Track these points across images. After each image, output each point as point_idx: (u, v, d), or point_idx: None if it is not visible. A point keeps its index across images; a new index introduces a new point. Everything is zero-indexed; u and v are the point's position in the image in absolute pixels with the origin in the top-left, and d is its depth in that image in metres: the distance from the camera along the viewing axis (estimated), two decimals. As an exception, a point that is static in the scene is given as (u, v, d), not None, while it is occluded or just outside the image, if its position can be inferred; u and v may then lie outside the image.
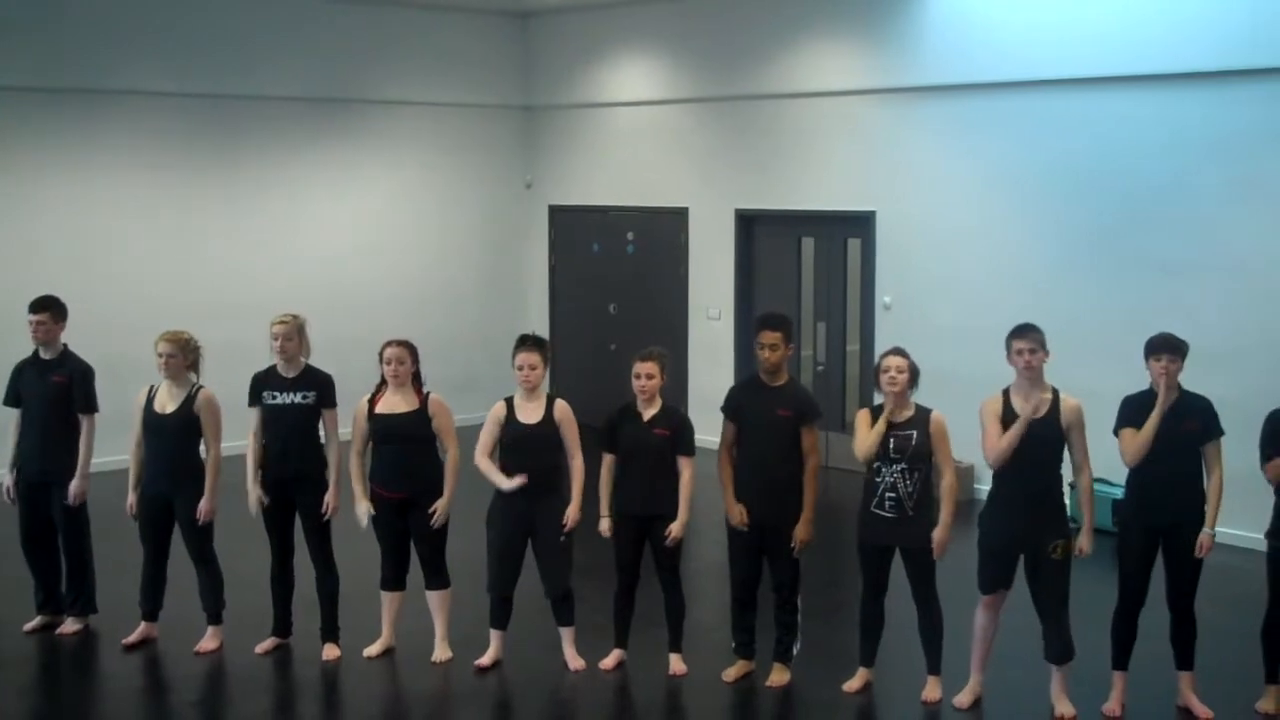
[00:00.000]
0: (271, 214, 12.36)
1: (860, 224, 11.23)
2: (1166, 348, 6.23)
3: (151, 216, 11.70)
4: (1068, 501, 6.39)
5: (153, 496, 7.11)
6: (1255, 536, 6.33)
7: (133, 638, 7.24)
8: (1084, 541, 6.23)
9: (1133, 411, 6.30)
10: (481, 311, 13.67)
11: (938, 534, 6.33)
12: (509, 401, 6.85)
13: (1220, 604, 7.31)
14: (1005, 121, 10.21)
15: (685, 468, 6.72)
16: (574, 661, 6.92)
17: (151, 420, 7.08)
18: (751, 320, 6.84)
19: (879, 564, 6.50)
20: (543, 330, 13.82)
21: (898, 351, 6.46)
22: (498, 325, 13.65)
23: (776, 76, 11.65)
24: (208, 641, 7.19)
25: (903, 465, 6.35)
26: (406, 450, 6.88)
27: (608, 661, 6.93)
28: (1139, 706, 6.38)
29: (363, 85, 12.74)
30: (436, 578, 7.06)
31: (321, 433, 7.12)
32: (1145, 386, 6.35)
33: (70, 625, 7.47)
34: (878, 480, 6.40)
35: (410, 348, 6.99)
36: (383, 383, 6.98)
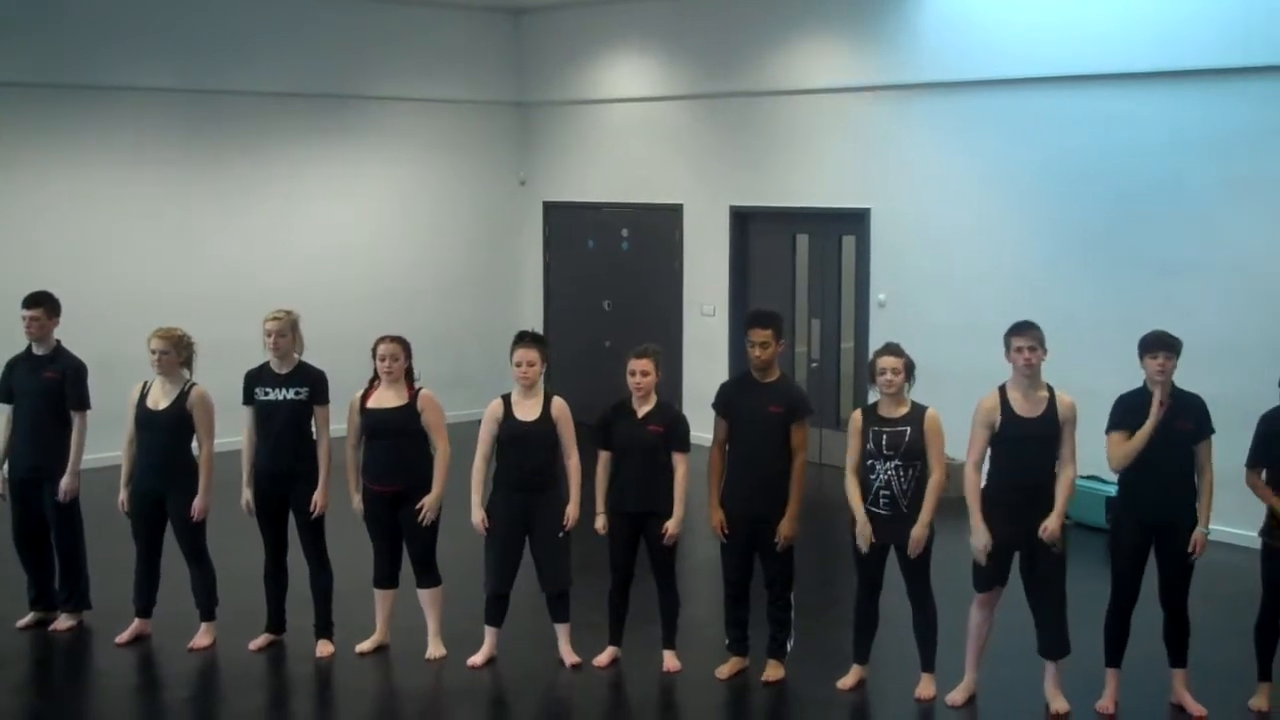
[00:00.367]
0: (266, 209, 12.34)
1: (855, 221, 11.23)
2: (1163, 345, 6.22)
3: (147, 212, 11.68)
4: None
5: (144, 493, 7.10)
6: (1249, 534, 6.34)
7: (126, 635, 7.23)
8: (1051, 522, 6.16)
9: (1126, 412, 6.30)
10: (475, 307, 13.66)
11: (915, 530, 6.33)
12: (506, 399, 6.84)
13: (1214, 602, 7.32)
14: (1001, 119, 10.21)
15: (680, 464, 6.72)
16: (569, 657, 6.92)
17: (144, 416, 7.06)
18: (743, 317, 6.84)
19: (874, 561, 6.50)
20: (537, 327, 13.82)
21: (893, 350, 6.45)
22: (491, 321, 13.66)
23: (771, 73, 11.64)
24: (201, 638, 7.18)
25: (896, 462, 6.35)
26: (397, 444, 6.88)
27: (602, 658, 6.93)
28: (1132, 704, 6.39)
29: (357, 81, 12.72)
30: (427, 576, 7.06)
31: (314, 429, 7.12)
32: (1139, 385, 6.35)
33: (64, 622, 7.45)
34: (872, 477, 6.41)
35: (403, 343, 6.99)
36: (375, 377, 6.98)
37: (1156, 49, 9.23)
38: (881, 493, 6.39)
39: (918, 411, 6.41)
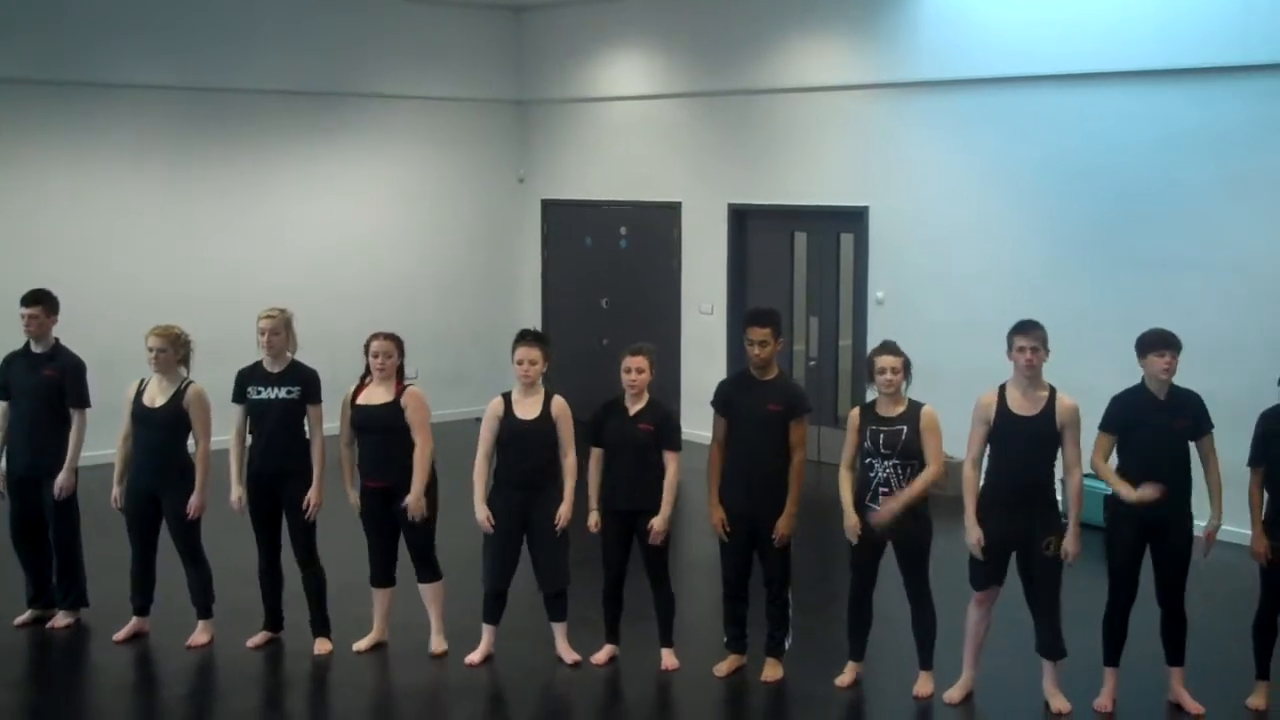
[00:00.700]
0: (265, 206, 12.34)
1: (853, 219, 11.23)
2: (1168, 344, 6.22)
3: (147, 209, 11.68)
4: (1059, 498, 6.39)
5: (139, 491, 7.10)
6: (1249, 533, 6.33)
7: (123, 633, 7.23)
8: (1070, 544, 6.20)
9: (1122, 411, 6.30)
10: (473, 305, 13.66)
11: (892, 503, 6.30)
12: (506, 396, 6.84)
13: (1213, 601, 7.33)
14: (998, 117, 10.21)
15: (670, 462, 6.71)
16: (568, 655, 6.92)
17: (140, 413, 7.06)
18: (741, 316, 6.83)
19: (869, 558, 6.51)
20: (535, 324, 13.82)
21: (890, 349, 6.45)
22: (490, 319, 13.67)
23: (770, 71, 11.64)
24: (198, 636, 7.17)
25: (894, 460, 6.36)
26: (386, 441, 6.89)
27: (600, 656, 6.93)
28: (1129, 702, 6.39)
29: (356, 79, 12.71)
30: (426, 570, 7.06)
31: (306, 428, 7.11)
32: (1135, 382, 6.35)
33: (62, 619, 7.45)
34: (870, 475, 6.42)
35: (397, 340, 7.00)
36: (367, 374, 6.98)
37: (1155, 47, 9.23)
38: (880, 489, 6.39)
39: (914, 409, 6.41)
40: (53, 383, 7.34)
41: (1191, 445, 6.29)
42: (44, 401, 7.34)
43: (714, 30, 12.02)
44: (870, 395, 6.63)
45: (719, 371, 11.40)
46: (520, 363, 6.75)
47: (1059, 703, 6.29)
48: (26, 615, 7.52)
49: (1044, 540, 6.20)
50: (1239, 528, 7.64)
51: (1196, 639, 6.46)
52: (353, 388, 7.01)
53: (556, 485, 6.78)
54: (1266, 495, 6.22)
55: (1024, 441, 6.20)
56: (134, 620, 7.28)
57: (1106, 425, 6.31)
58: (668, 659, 6.89)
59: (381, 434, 6.88)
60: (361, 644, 7.10)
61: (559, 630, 6.95)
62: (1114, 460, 6.33)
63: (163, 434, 7.04)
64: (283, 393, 7.00)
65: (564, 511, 6.72)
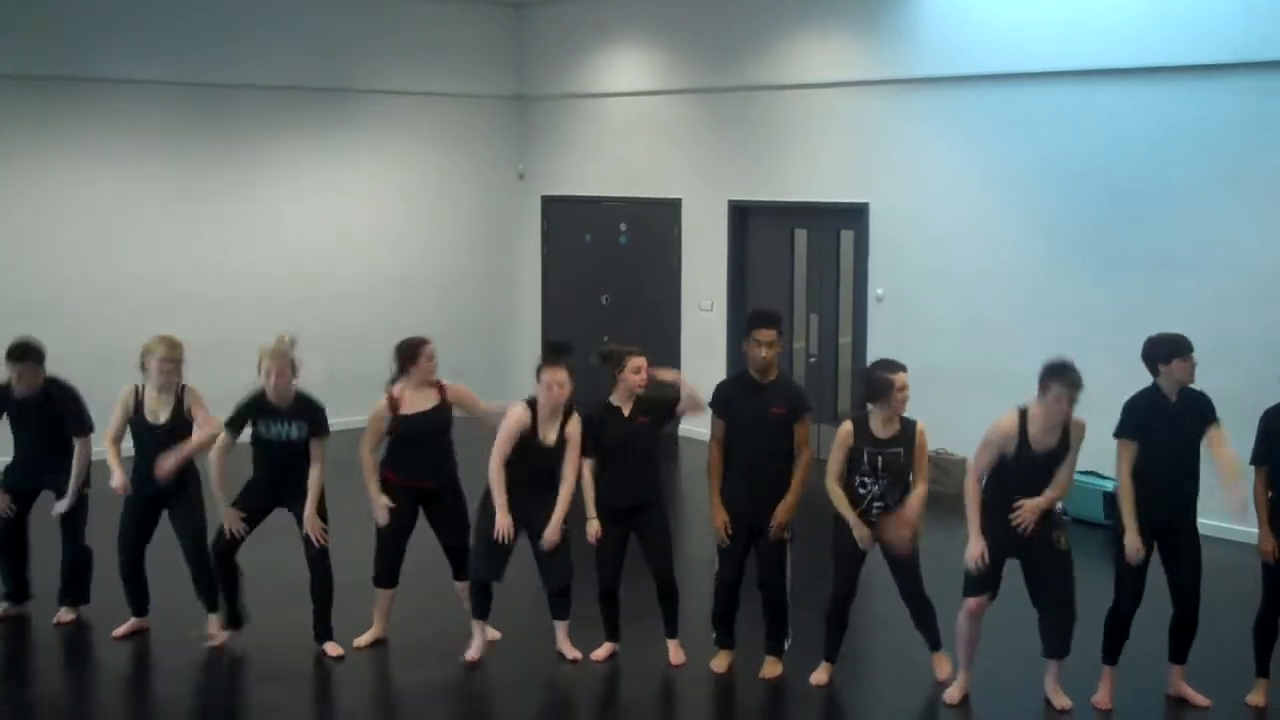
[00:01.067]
0: (263, 203, 12.32)
1: (853, 216, 11.23)
2: (1189, 347, 6.21)
3: (146, 206, 11.67)
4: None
5: (148, 498, 7.05)
6: (1252, 532, 6.33)
7: (122, 630, 7.22)
8: (1032, 505, 6.14)
9: (1139, 416, 6.25)
10: (473, 302, 13.66)
11: (901, 533, 6.32)
12: (533, 410, 6.71)
13: (1215, 599, 7.31)
14: (999, 114, 10.21)
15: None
16: (569, 652, 6.92)
17: (144, 428, 7.00)
18: (745, 316, 6.81)
19: (854, 565, 6.52)
20: (534, 321, 13.83)
21: (903, 366, 6.42)
22: (490, 315, 13.68)
23: (770, 68, 11.63)
24: (213, 630, 7.14)
25: (887, 480, 6.41)
26: (435, 444, 6.94)
27: (599, 653, 6.94)
28: (1130, 700, 6.40)
29: (356, 75, 12.70)
30: (465, 566, 7.04)
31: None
32: (1135, 382, 6.35)
33: (66, 614, 7.43)
34: (862, 491, 6.44)
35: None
36: (396, 379, 6.95)
37: (1153, 44, 9.23)
38: (875, 504, 6.43)
39: (909, 429, 6.43)
40: (53, 418, 7.26)
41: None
42: (45, 434, 7.28)
43: (714, 26, 12.01)
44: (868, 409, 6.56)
45: (719, 368, 11.41)
46: (549, 386, 6.65)
47: (1061, 700, 6.30)
48: (1, 609, 7.52)
49: (1053, 536, 6.18)
50: (1242, 527, 7.65)
51: (1198, 637, 6.44)
52: (385, 398, 6.92)
53: (558, 489, 6.76)
54: (1271, 493, 6.21)
55: (1035, 469, 6.17)
56: (133, 620, 7.27)
57: (1128, 432, 6.24)
58: (675, 652, 6.90)
59: (432, 437, 6.91)
60: (362, 640, 7.10)
61: (561, 628, 6.95)
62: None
63: (168, 448, 6.94)
64: (294, 431, 6.84)
65: (550, 535, 6.66)
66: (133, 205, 11.60)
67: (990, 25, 10.11)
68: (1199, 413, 6.25)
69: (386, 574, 7.06)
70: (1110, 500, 9.28)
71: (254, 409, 6.86)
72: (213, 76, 11.84)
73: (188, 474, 7.05)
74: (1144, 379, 6.39)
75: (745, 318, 6.81)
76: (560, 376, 6.65)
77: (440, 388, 6.98)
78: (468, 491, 7.06)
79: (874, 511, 6.41)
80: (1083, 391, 6.08)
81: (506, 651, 7.02)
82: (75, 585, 7.46)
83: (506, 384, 13.24)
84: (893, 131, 10.88)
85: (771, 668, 6.75)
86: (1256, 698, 6.35)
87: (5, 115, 10.98)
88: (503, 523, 6.64)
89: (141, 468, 7.03)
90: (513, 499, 6.71)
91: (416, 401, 6.91)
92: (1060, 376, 6.06)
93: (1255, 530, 6.32)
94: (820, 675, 6.66)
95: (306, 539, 6.92)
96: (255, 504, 6.96)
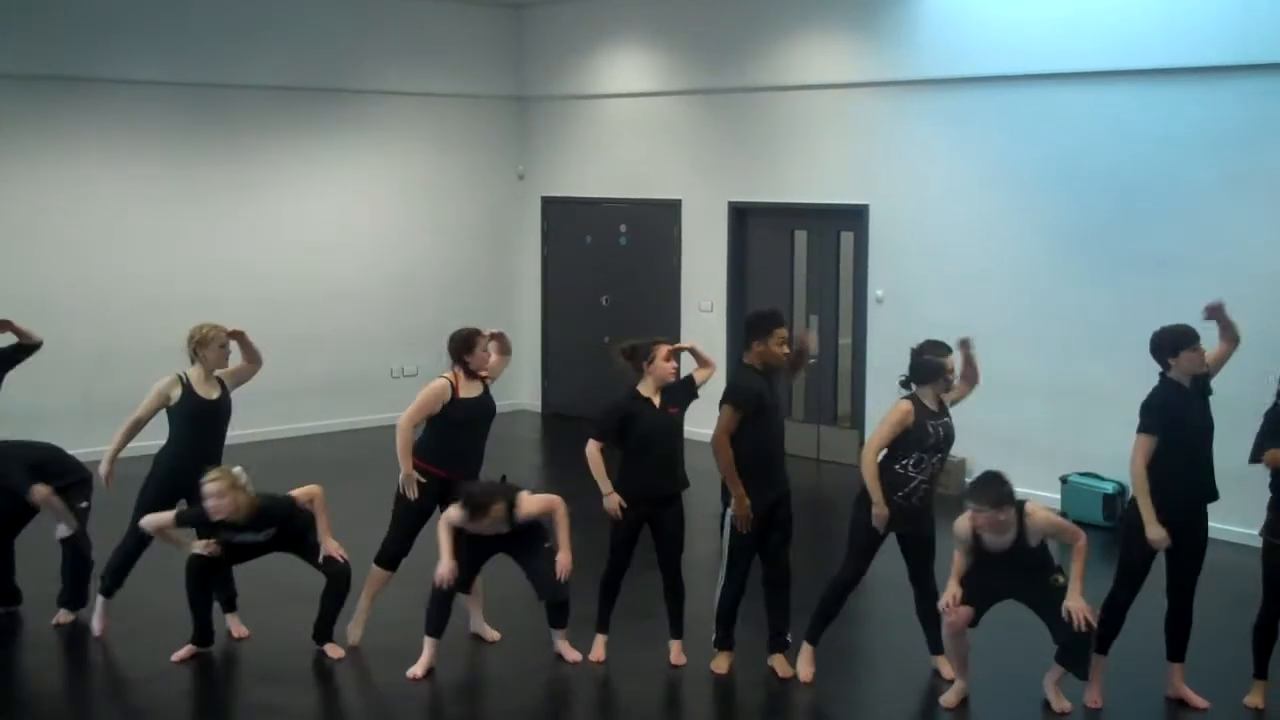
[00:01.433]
0: (262, 203, 12.32)
1: (853, 217, 11.23)
2: (1196, 335, 6.25)
3: (144, 207, 11.66)
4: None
5: (181, 484, 7.02)
6: (1252, 533, 6.34)
7: (97, 622, 7.23)
8: (1073, 601, 6.06)
9: (1164, 411, 6.22)
10: (473, 302, 13.60)
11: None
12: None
13: (1215, 600, 7.32)
14: (999, 116, 10.21)
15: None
16: (569, 654, 6.92)
17: (200, 407, 7.09)
18: (753, 317, 6.85)
19: (871, 551, 6.55)
20: (534, 322, 13.84)
21: (950, 349, 6.65)
22: (489, 316, 13.58)
23: (770, 69, 11.64)
24: (235, 627, 7.21)
25: (940, 454, 6.48)
26: (481, 434, 7.12)
27: (598, 652, 6.94)
28: (1128, 701, 6.40)
29: (355, 75, 12.70)
30: None
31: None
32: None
33: (64, 616, 7.42)
34: (915, 472, 6.44)
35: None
36: (454, 370, 7.09)
37: (1154, 46, 9.23)
38: (922, 485, 6.45)
39: (944, 406, 6.60)
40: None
41: None
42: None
43: (714, 27, 12.01)
44: (891, 393, 6.63)
45: (718, 369, 11.37)
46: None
47: (1060, 703, 6.29)
48: None
49: (1050, 579, 6.15)
50: (1240, 528, 7.66)
51: (1197, 638, 6.46)
52: (449, 378, 7.04)
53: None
54: (1272, 495, 6.20)
55: (1009, 569, 6.16)
56: (101, 601, 7.25)
57: (1151, 428, 6.22)
58: (676, 653, 6.91)
59: (480, 424, 7.09)
60: (353, 630, 7.11)
61: (559, 635, 6.97)
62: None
63: (223, 424, 7.17)
64: (261, 536, 6.84)
65: (565, 561, 6.70)
66: (132, 205, 11.59)
67: (990, 27, 10.12)
68: (1203, 393, 6.30)
69: (392, 557, 7.09)
70: (1109, 502, 9.29)
71: (199, 524, 6.78)
72: (212, 77, 11.83)
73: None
74: (1145, 380, 6.41)
75: (758, 318, 6.81)
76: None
77: (484, 380, 7.14)
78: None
79: (920, 494, 6.44)
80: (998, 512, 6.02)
81: (506, 652, 7.02)
82: (75, 589, 7.45)
83: (506, 385, 13.24)
84: (893, 133, 10.89)
85: (785, 666, 6.73)
86: (1255, 699, 6.35)
87: (4, 115, 10.97)
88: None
89: (188, 450, 7.03)
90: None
91: (468, 389, 7.05)
92: (977, 497, 6.07)
93: (1254, 532, 6.33)
94: (805, 665, 6.65)
95: (328, 558, 6.90)
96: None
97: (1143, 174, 9.45)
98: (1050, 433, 9.78)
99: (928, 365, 6.56)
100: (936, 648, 6.64)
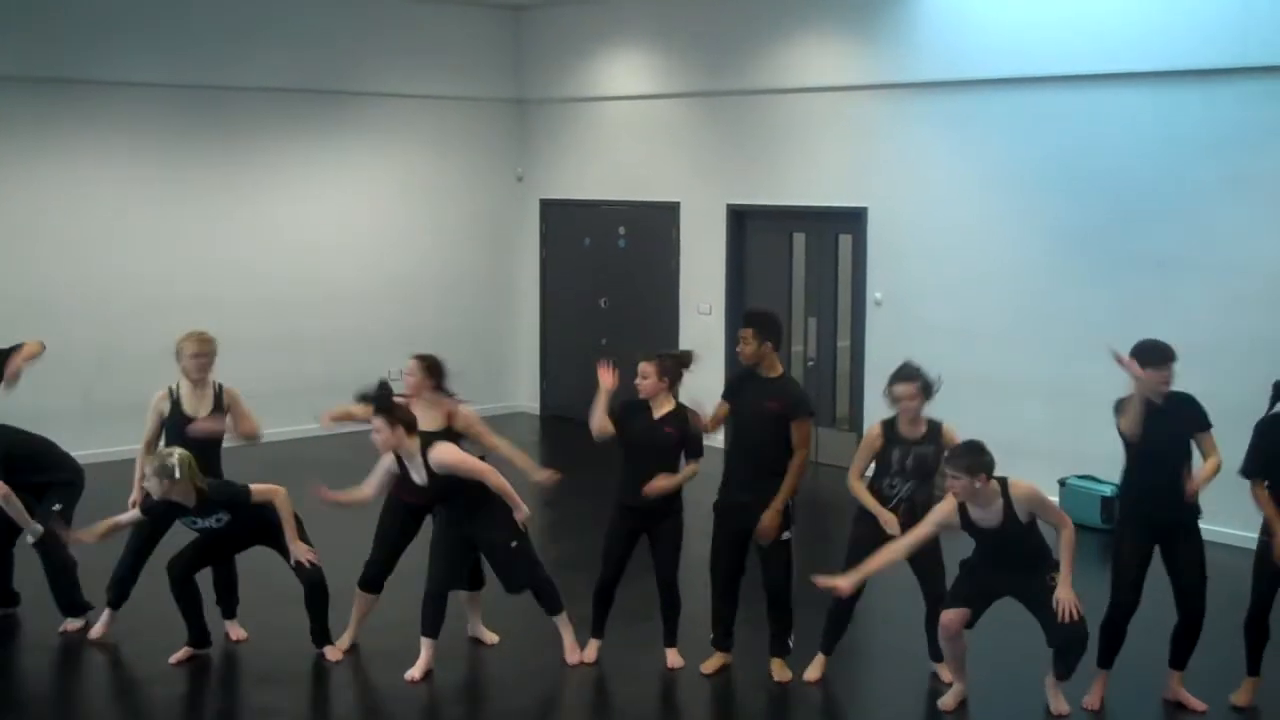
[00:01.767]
0: (261, 206, 12.32)
1: (852, 220, 11.24)
2: (1167, 358, 6.15)
3: (143, 208, 11.66)
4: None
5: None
6: (1246, 535, 6.35)
7: (98, 628, 7.21)
8: (1062, 592, 6.00)
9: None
10: (472, 304, 13.66)
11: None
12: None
13: (1211, 601, 7.30)
14: (998, 118, 10.22)
15: (690, 465, 6.71)
16: (571, 654, 6.92)
17: (183, 424, 7.02)
18: (776, 321, 6.95)
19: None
20: (533, 324, 13.85)
21: (906, 377, 6.46)
22: (488, 318, 13.68)
23: (769, 71, 11.65)
24: (233, 631, 7.21)
25: (915, 481, 6.45)
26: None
27: (590, 653, 6.94)
28: (1127, 704, 6.41)
29: (354, 77, 12.70)
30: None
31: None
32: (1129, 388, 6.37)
33: (72, 624, 7.38)
34: (890, 493, 6.47)
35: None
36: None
37: (1153, 48, 9.24)
38: (901, 503, 6.46)
39: (934, 429, 6.49)
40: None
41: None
42: None
43: (713, 30, 12.03)
44: (884, 411, 6.63)
45: (717, 372, 11.40)
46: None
47: (1060, 705, 6.29)
48: None
49: (1047, 577, 6.12)
50: (1235, 529, 7.67)
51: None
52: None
53: (491, 502, 6.68)
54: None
55: (994, 544, 6.13)
56: (107, 613, 7.23)
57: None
58: (673, 658, 6.91)
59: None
60: (344, 641, 7.11)
61: (561, 623, 6.95)
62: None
63: (209, 444, 7.00)
64: (214, 522, 6.75)
65: (521, 517, 6.68)
66: (131, 206, 11.59)
67: (990, 29, 10.13)
68: (1186, 416, 6.24)
69: (370, 578, 7.06)
70: (1107, 505, 9.29)
71: (156, 510, 6.73)
72: (212, 78, 11.84)
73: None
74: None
75: (778, 323, 6.91)
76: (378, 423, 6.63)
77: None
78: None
79: (901, 510, 6.44)
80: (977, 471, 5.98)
81: (504, 655, 7.02)
82: (64, 594, 7.36)
83: (505, 386, 13.28)
84: (891, 136, 10.90)
85: (783, 670, 6.74)
86: (1240, 697, 6.38)
87: (3, 116, 10.97)
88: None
89: None
90: (452, 519, 6.73)
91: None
92: (951, 461, 6.04)
93: (1251, 534, 6.34)
94: (814, 670, 6.67)
95: (298, 564, 6.84)
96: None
97: (1142, 176, 9.46)
98: (1049, 435, 9.77)
99: (887, 393, 6.55)
100: (937, 655, 6.63)
